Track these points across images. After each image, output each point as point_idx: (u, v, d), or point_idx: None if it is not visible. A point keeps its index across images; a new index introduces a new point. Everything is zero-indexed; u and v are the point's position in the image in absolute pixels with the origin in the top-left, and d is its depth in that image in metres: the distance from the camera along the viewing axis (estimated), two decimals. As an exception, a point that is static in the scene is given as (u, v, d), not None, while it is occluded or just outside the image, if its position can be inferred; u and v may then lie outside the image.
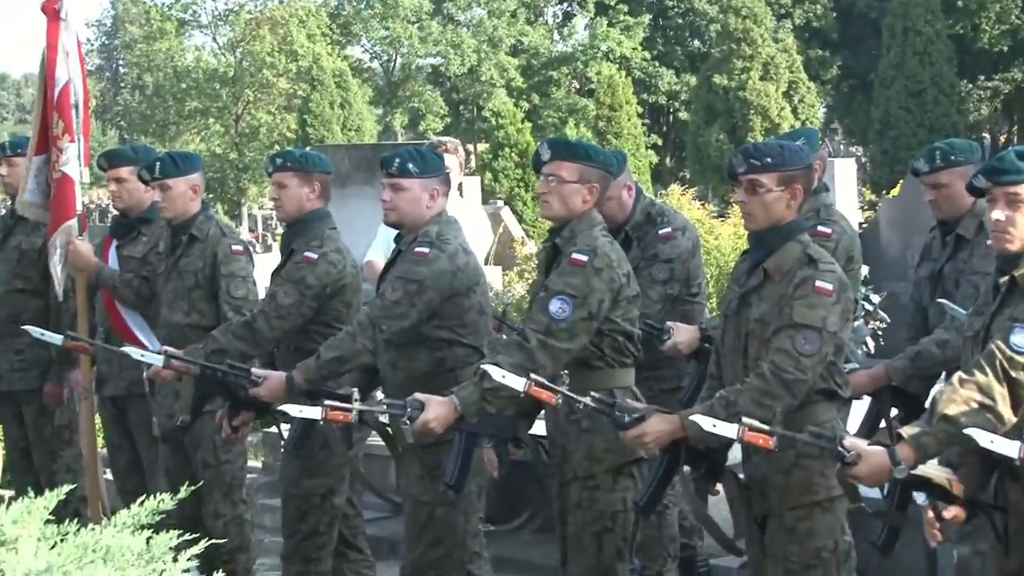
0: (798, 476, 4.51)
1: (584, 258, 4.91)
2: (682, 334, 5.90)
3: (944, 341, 5.26)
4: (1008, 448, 3.74)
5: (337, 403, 4.95)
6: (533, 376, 4.60)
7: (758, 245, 4.61)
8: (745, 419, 4.10)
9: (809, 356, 4.37)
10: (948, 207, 5.70)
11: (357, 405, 4.95)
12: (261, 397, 5.64)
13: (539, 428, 5.36)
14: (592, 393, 4.62)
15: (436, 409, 4.88)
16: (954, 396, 3.86)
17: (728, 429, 4.12)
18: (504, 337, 5.67)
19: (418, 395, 4.95)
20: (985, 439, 3.74)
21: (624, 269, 5.02)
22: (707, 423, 4.16)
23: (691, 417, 4.30)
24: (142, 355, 5.92)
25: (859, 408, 5.56)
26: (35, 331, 6.35)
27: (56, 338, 6.39)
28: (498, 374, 4.59)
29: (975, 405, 3.84)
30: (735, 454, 4.70)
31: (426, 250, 5.39)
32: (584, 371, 4.97)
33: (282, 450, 6.36)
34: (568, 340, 4.88)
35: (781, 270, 4.50)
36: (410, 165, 5.45)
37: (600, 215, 5.12)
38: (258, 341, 5.89)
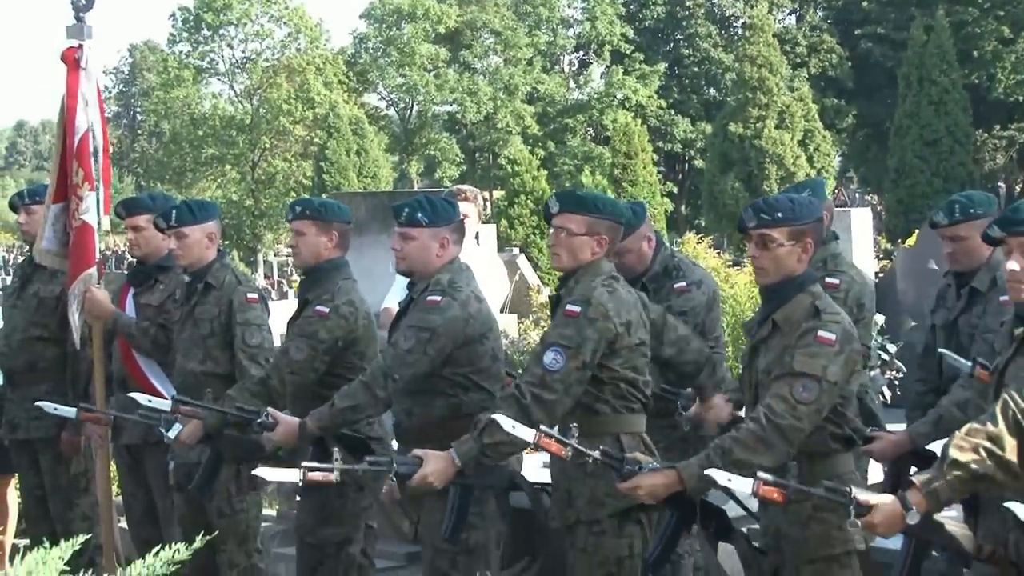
0: (815, 529, 4.49)
1: (577, 309, 4.94)
2: (714, 411, 5.77)
3: (965, 401, 5.21)
4: None
5: (316, 464, 4.94)
6: (543, 428, 4.59)
7: (769, 298, 4.63)
8: (760, 473, 4.10)
9: (806, 404, 4.36)
10: (966, 259, 5.72)
11: (338, 465, 4.90)
12: (273, 442, 5.64)
13: (542, 475, 5.34)
14: (601, 447, 4.61)
15: (434, 463, 4.91)
16: (963, 443, 3.83)
17: (743, 484, 4.11)
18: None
19: (416, 451, 4.97)
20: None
21: (623, 318, 5.00)
22: (722, 477, 4.15)
23: (707, 471, 4.26)
24: (149, 400, 5.95)
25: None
26: (48, 406, 6.37)
27: (70, 411, 6.41)
28: (508, 424, 4.59)
29: (984, 453, 3.82)
30: (741, 510, 4.65)
31: (438, 298, 5.40)
32: (589, 416, 4.97)
33: (297, 498, 6.33)
34: (563, 392, 4.90)
35: (789, 321, 4.52)
36: (419, 215, 5.48)
37: (609, 264, 5.15)
38: (273, 398, 5.89)
